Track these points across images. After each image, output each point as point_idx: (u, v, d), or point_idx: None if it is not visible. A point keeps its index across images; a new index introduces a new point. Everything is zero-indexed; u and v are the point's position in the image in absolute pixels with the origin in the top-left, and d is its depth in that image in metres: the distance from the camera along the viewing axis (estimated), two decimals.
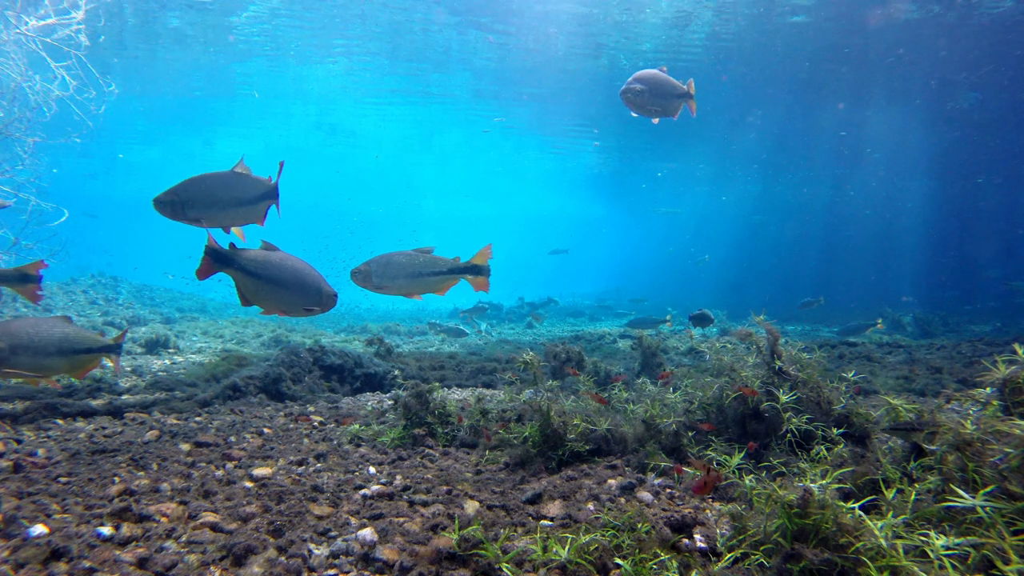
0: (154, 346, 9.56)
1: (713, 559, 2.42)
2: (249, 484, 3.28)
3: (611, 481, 3.36)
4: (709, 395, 3.93)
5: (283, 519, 2.79)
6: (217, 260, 4.01)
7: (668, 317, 12.55)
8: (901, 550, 1.97)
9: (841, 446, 3.15)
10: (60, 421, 4.71)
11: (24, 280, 4.76)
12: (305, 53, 18.29)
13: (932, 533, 2.00)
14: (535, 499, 3.12)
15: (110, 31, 15.98)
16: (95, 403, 5.22)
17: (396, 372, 7.29)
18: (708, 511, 2.93)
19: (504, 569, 2.32)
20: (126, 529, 2.60)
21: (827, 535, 2.15)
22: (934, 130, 22.27)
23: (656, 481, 3.36)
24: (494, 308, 22.42)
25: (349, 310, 23.52)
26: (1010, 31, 14.13)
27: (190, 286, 24.05)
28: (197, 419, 4.94)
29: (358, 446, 4.22)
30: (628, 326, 14.05)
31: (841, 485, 2.56)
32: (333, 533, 2.71)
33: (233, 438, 4.33)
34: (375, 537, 2.62)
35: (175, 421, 4.85)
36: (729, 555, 2.35)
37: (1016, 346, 2.67)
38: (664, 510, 2.93)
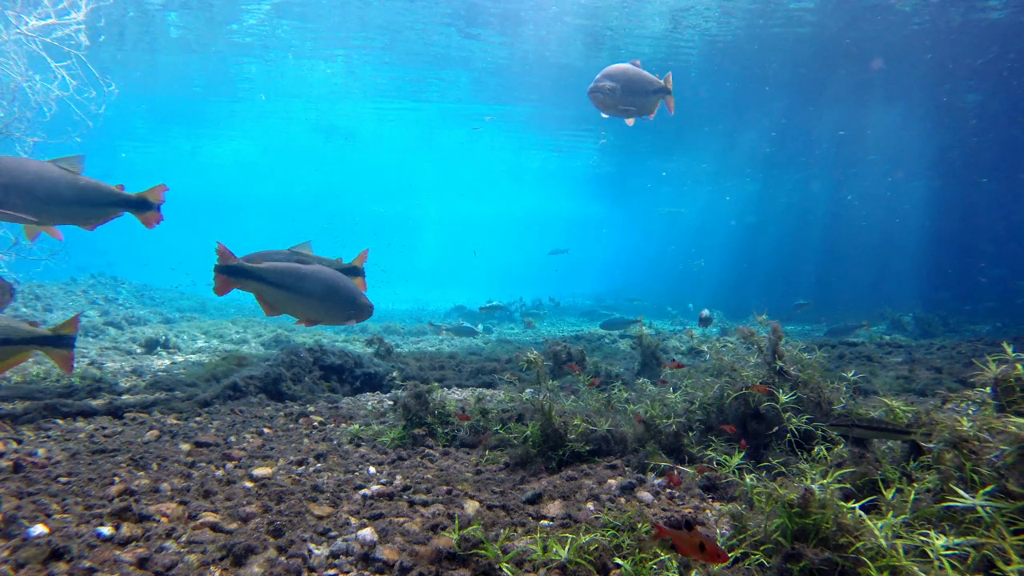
0: (154, 346, 9.56)
1: None
2: (249, 484, 3.28)
3: (611, 481, 3.36)
4: (710, 395, 3.93)
5: (283, 519, 2.79)
6: (231, 275, 4.02)
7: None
8: (901, 550, 1.97)
9: (841, 446, 3.15)
10: (60, 421, 4.71)
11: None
12: (305, 53, 18.30)
13: (932, 533, 2.00)
14: (535, 499, 3.12)
15: (110, 31, 15.98)
16: (95, 403, 5.21)
17: (396, 372, 7.29)
18: (708, 511, 2.93)
19: (504, 569, 2.32)
20: (126, 529, 2.60)
21: (827, 535, 2.15)
22: (934, 130, 22.27)
23: (656, 481, 3.36)
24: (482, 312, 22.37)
25: None
26: (1010, 30, 14.14)
27: (193, 287, 24.06)
28: (197, 419, 4.94)
29: (358, 446, 4.22)
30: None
31: (842, 485, 2.56)
32: (333, 533, 2.71)
33: (233, 438, 4.33)
34: (375, 537, 2.62)
35: (175, 421, 4.85)
36: (730, 555, 2.35)
37: (1005, 344, 2.68)
38: (664, 510, 2.93)
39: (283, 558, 2.45)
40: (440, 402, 4.51)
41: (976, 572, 1.95)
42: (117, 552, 2.41)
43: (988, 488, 2.13)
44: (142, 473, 3.40)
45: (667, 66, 17.44)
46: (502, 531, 2.65)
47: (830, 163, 27.91)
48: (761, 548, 2.28)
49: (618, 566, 2.33)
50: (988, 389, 2.73)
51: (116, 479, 3.23)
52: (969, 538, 1.99)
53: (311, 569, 2.43)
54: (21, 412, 4.71)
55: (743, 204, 42.77)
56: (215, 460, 3.73)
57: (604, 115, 5.63)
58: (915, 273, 38.10)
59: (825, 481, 2.32)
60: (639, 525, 2.54)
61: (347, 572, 2.42)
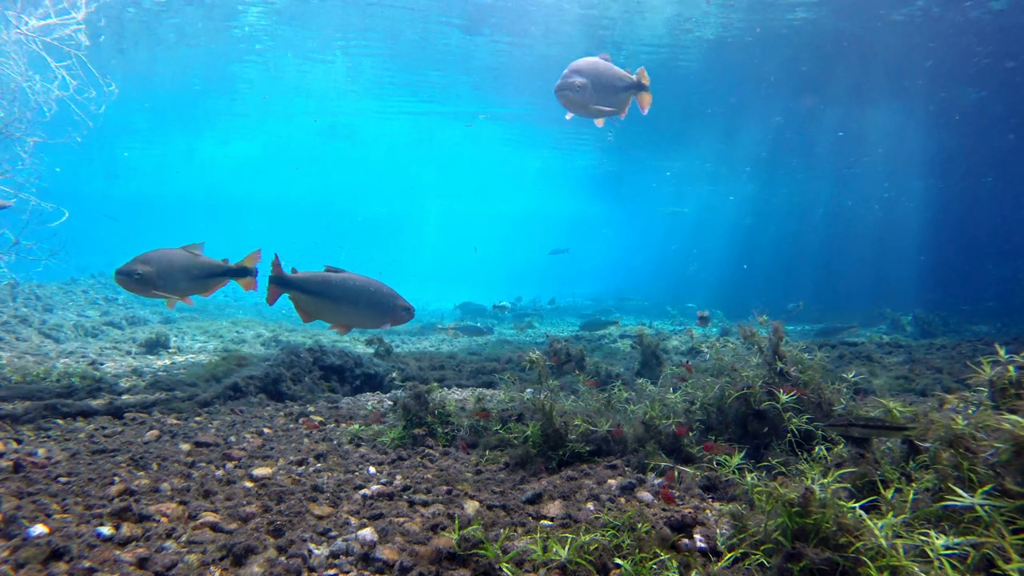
0: (154, 346, 9.56)
1: (713, 559, 2.42)
2: (249, 484, 3.28)
3: (611, 481, 3.36)
4: (710, 395, 3.93)
5: (283, 519, 2.79)
6: (280, 284, 4.48)
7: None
8: (901, 550, 1.97)
9: (841, 446, 3.15)
10: (60, 421, 4.71)
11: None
12: (305, 53, 18.30)
13: (932, 533, 2.00)
14: (535, 499, 3.12)
15: (110, 31, 15.98)
16: (95, 403, 5.21)
17: (396, 372, 7.29)
18: (708, 511, 2.93)
19: (504, 569, 2.32)
20: (126, 529, 2.60)
21: (827, 534, 2.15)
22: (935, 129, 22.28)
23: (656, 481, 3.36)
24: (486, 310, 22.38)
25: None
26: (1010, 30, 14.13)
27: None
28: (197, 419, 4.94)
29: (358, 446, 4.22)
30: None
31: (842, 484, 2.56)
32: (333, 533, 2.71)
33: (233, 438, 4.33)
34: (375, 537, 2.62)
35: (175, 421, 4.85)
36: (729, 555, 2.35)
37: (997, 346, 2.68)
38: (664, 510, 2.93)
39: (283, 558, 2.45)
40: (440, 402, 4.51)
41: (976, 572, 1.95)
42: (117, 552, 2.41)
43: (987, 487, 2.13)
44: (142, 473, 3.40)
45: (668, 66, 17.49)
46: (502, 531, 2.65)
47: (830, 163, 27.92)
48: (761, 548, 2.28)
49: (618, 566, 2.33)
50: (986, 391, 2.73)
51: (116, 479, 3.23)
52: (969, 537, 1.99)
53: (311, 569, 2.43)
54: (21, 412, 4.71)
55: (743, 204, 42.77)
56: (215, 460, 3.73)
57: (569, 116, 5.13)
58: (915, 273, 38.11)
59: (826, 480, 2.32)
60: (639, 525, 2.54)
61: (347, 572, 2.42)
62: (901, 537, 2.04)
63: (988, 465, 2.26)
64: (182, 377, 6.56)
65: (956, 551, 1.94)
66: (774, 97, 19.57)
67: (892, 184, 31.54)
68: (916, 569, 1.90)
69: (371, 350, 8.30)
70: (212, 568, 2.36)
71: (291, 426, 4.86)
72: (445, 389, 6.84)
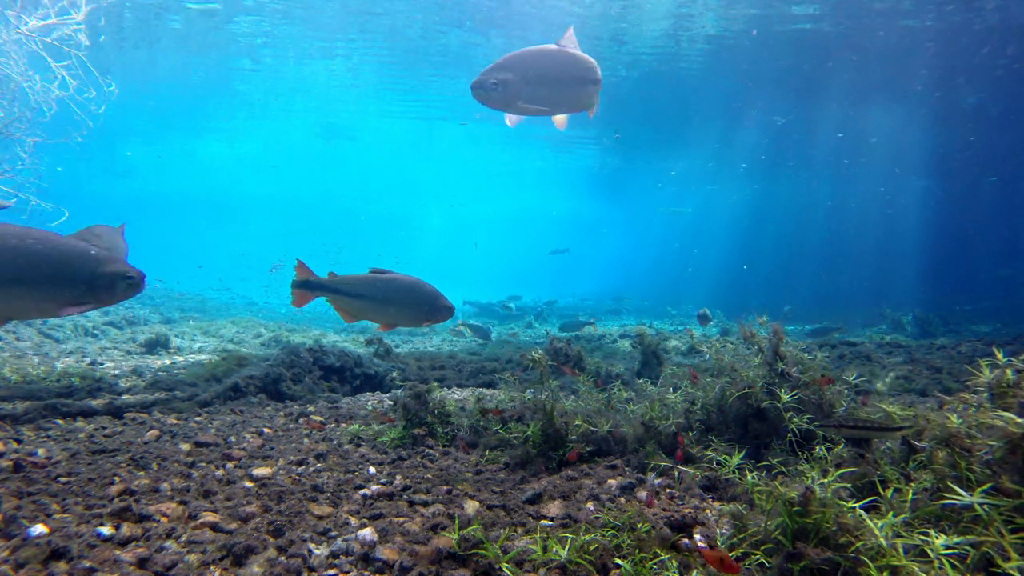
0: (154, 346, 9.56)
1: None
2: (249, 484, 3.28)
3: (611, 481, 3.36)
4: (711, 395, 3.93)
5: (283, 519, 2.79)
6: (308, 288, 4.45)
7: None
8: (901, 550, 1.97)
9: (841, 446, 3.15)
10: (60, 421, 4.71)
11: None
12: (305, 53, 18.30)
13: (932, 532, 2.00)
14: (535, 499, 3.12)
15: (110, 31, 15.98)
16: (95, 403, 5.21)
17: (396, 372, 7.29)
18: (708, 511, 2.93)
19: (504, 569, 2.32)
20: (126, 529, 2.60)
21: (827, 534, 2.15)
22: (935, 129, 22.28)
23: (656, 481, 3.36)
24: (492, 308, 22.42)
25: None
26: (1010, 30, 14.13)
27: (178, 286, 24.07)
28: (197, 419, 4.94)
29: (358, 446, 4.22)
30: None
31: (842, 484, 2.56)
32: (333, 533, 2.71)
33: (233, 438, 4.33)
34: (375, 537, 2.62)
35: (175, 421, 4.85)
36: (730, 554, 2.34)
37: (995, 349, 2.68)
38: (664, 510, 2.93)
39: (283, 558, 2.45)
40: (440, 402, 4.51)
41: (976, 571, 1.95)
42: (117, 552, 2.41)
43: (985, 486, 2.13)
44: (142, 473, 3.40)
45: (668, 66, 17.49)
46: (502, 531, 2.65)
47: (830, 163, 27.92)
48: (761, 548, 2.28)
49: (618, 566, 2.33)
50: (985, 393, 2.73)
51: (116, 479, 3.23)
52: (968, 537, 1.99)
53: (311, 569, 2.43)
54: (21, 412, 4.71)
55: (743, 204, 42.77)
56: (215, 460, 3.73)
57: (510, 123, 4.48)
58: (915, 273, 38.12)
59: (826, 480, 2.32)
60: (639, 525, 2.54)
61: (347, 572, 2.42)
62: (901, 537, 2.04)
63: (984, 463, 2.26)
64: (182, 377, 6.56)
65: (956, 551, 1.94)
66: (774, 97, 19.57)
67: (892, 184, 31.54)
68: (916, 569, 1.90)
69: (371, 350, 8.31)
70: (212, 568, 2.36)
71: (291, 426, 4.86)
72: (445, 389, 6.84)
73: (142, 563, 2.35)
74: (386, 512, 2.95)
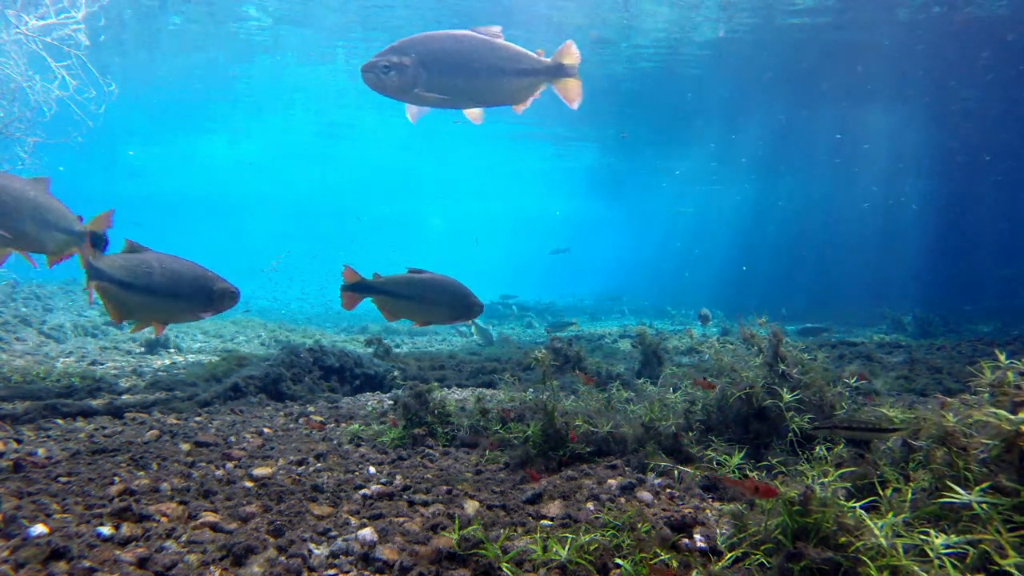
0: (154, 346, 9.56)
1: (713, 559, 2.42)
2: (249, 484, 3.28)
3: (611, 481, 3.35)
4: (711, 396, 3.93)
5: (283, 519, 2.79)
6: (357, 291, 4.57)
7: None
8: (901, 549, 1.97)
9: (841, 446, 3.15)
10: (60, 421, 4.71)
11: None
12: (305, 53, 18.29)
13: (932, 532, 2.00)
14: (535, 499, 3.12)
15: (110, 31, 15.97)
16: (95, 403, 5.21)
17: (396, 372, 7.29)
18: (708, 511, 2.92)
19: (504, 569, 2.32)
20: (126, 529, 2.60)
21: (827, 534, 2.15)
22: (935, 129, 22.28)
23: (656, 481, 3.36)
24: (494, 306, 22.42)
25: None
26: (1010, 30, 14.13)
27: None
28: (197, 419, 4.94)
29: (358, 446, 4.22)
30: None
31: (842, 484, 2.56)
32: (333, 533, 2.71)
33: (233, 438, 4.33)
34: (375, 537, 2.62)
35: (175, 421, 4.85)
36: (730, 554, 2.34)
37: (997, 351, 2.68)
38: (664, 510, 2.93)
39: (283, 558, 2.45)
40: (440, 402, 4.51)
41: (975, 570, 1.94)
42: (117, 552, 2.41)
43: (984, 485, 2.13)
44: (142, 473, 3.40)
45: (669, 66, 17.48)
46: (502, 531, 2.65)
47: (830, 163, 27.92)
48: (762, 548, 2.28)
49: (618, 566, 2.33)
50: (986, 395, 2.73)
51: (116, 479, 3.23)
52: (967, 536, 1.99)
53: (311, 569, 2.42)
54: (21, 412, 4.71)
55: (743, 204, 42.76)
56: (215, 460, 3.73)
57: (411, 116, 3.97)
58: (915, 273, 38.12)
59: (827, 480, 2.32)
60: (639, 525, 2.53)
61: (347, 572, 2.42)
62: (901, 536, 2.04)
63: (980, 462, 2.26)
64: (182, 377, 6.56)
65: (956, 550, 1.94)
66: (775, 97, 19.57)
67: (892, 184, 31.54)
68: (916, 568, 1.90)
69: (370, 350, 8.31)
70: (212, 568, 2.36)
71: (291, 426, 4.86)
72: (445, 389, 6.84)
73: (142, 563, 2.35)
74: (386, 512, 2.95)
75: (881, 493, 2.46)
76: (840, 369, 7.48)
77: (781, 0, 13.45)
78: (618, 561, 2.34)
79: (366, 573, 2.41)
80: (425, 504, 3.09)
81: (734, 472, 3.18)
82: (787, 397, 3.47)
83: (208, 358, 8.66)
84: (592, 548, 2.40)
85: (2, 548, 2.35)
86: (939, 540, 1.95)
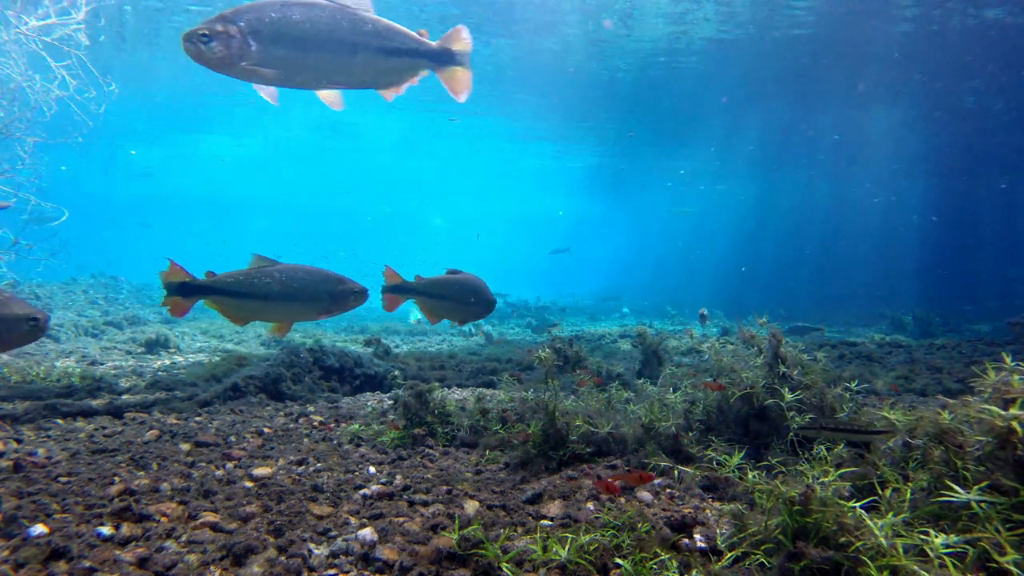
0: (154, 346, 9.56)
1: (714, 558, 2.42)
2: (249, 484, 3.28)
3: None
4: (711, 396, 3.93)
5: (283, 519, 2.79)
6: (399, 292, 4.83)
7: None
8: (901, 549, 1.97)
9: (841, 446, 3.15)
10: (60, 421, 4.71)
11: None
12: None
13: (932, 532, 2.00)
14: (535, 499, 3.12)
15: (110, 31, 15.97)
16: (95, 403, 5.21)
17: (396, 372, 7.29)
18: (708, 511, 2.93)
19: (504, 569, 2.32)
20: (126, 529, 2.60)
21: (828, 534, 2.15)
22: (936, 129, 22.28)
23: (656, 481, 3.36)
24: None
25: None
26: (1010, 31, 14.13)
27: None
28: (197, 419, 4.94)
29: (358, 446, 4.22)
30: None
31: (843, 484, 2.56)
32: (333, 533, 2.71)
33: (233, 438, 4.33)
34: (375, 537, 2.62)
35: (175, 421, 4.85)
36: (730, 554, 2.34)
37: (1004, 355, 2.67)
38: (664, 510, 2.93)
39: (283, 558, 2.45)
40: (440, 402, 4.51)
41: (975, 569, 1.94)
42: (117, 552, 2.41)
43: (982, 484, 2.13)
44: (142, 473, 3.40)
45: (669, 67, 17.48)
46: (502, 531, 2.65)
47: (831, 163, 27.93)
48: (762, 547, 2.28)
49: (618, 566, 2.33)
50: (987, 395, 2.72)
51: (116, 479, 3.23)
52: (967, 536, 1.99)
53: (311, 569, 2.42)
54: (21, 412, 4.71)
55: (743, 204, 42.77)
56: (215, 460, 3.73)
57: (266, 96, 3.48)
58: (916, 273, 38.13)
59: (827, 479, 2.32)
60: (639, 525, 2.53)
61: (347, 572, 2.42)
62: (901, 536, 2.04)
63: (976, 460, 2.26)
64: (182, 377, 6.56)
65: (956, 549, 1.94)
66: (775, 97, 19.57)
67: (893, 184, 31.55)
68: (916, 568, 1.90)
69: (370, 350, 8.31)
70: (212, 568, 2.36)
71: (291, 426, 4.86)
72: (445, 389, 6.84)
73: (142, 563, 2.35)
74: (386, 512, 2.95)
75: (881, 493, 2.45)
76: (840, 369, 7.50)
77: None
78: (618, 561, 2.34)
79: (366, 573, 2.41)
80: (425, 504, 3.10)
81: (734, 472, 3.18)
82: (788, 397, 3.48)
83: (208, 358, 8.66)
84: (592, 548, 2.40)
85: (2, 548, 2.35)
86: (939, 540, 1.95)
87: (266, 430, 4.62)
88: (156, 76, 20.48)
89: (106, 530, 2.58)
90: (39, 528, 2.53)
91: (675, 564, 2.28)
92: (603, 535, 2.50)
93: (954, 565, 1.89)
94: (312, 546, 2.57)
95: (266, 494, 3.11)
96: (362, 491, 3.24)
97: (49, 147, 8.49)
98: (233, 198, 60.74)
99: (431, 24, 15.10)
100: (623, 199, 47.56)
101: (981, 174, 28.38)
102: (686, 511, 2.81)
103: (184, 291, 4.28)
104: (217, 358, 8.00)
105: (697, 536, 2.59)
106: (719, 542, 2.49)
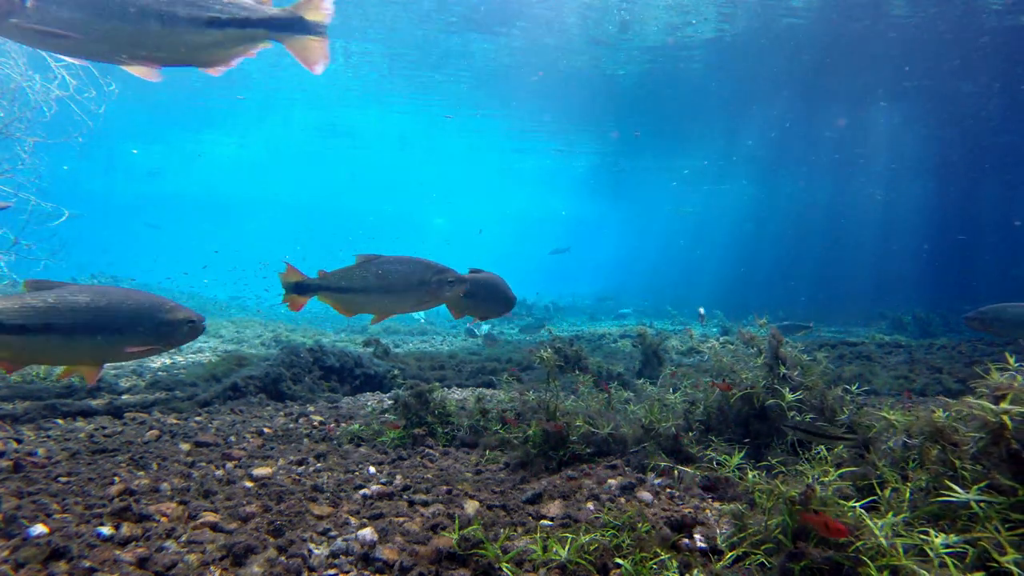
0: None
1: (714, 558, 2.42)
2: (249, 484, 3.28)
3: (611, 481, 3.35)
4: (711, 397, 3.93)
5: (283, 519, 2.79)
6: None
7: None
8: (901, 549, 1.97)
9: (841, 447, 3.15)
10: (60, 421, 4.71)
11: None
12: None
13: (931, 531, 2.00)
14: (535, 499, 3.12)
15: None
16: (95, 403, 5.21)
17: (396, 372, 7.29)
18: (708, 511, 2.92)
19: (504, 569, 2.32)
20: (126, 529, 2.60)
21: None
22: (936, 129, 22.27)
23: (656, 481, 3.36)
24: None
25: None
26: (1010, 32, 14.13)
27: (201, 287, 24.08)
28: (197, 419, 4.94)
29: (358, 446, 4.22)
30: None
31: (843, 483, 2.56)
32: (333, 533, 2.71)
33: (233, 438, 4.32)
34: (375, 537, 2.62)
35: (175, 421, 4.85)
36: (730, 554, 2.34)
37: (1008, 355, 2.67)
38: (664, 510, 2.93)
39: (283, 558, 2.45)
40: (440, 402, 4.51)
41: (975, 568, 1.94)
42: (117, 552, 2.41)
43: (981, 484, 2.13)
44: (142, 473, 3.40)
45: (668, 66, 17.47)
46: (502, 531, 2.65)
47: (831, 163, 27.92)
48: (762, 547, 2.28)
49: (618, 566, 2.33)
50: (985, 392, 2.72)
51: (116, 479, 3.23)
52: (966, 536, 1.99)
53: (311, 569, 2.42)
54: (21, 412, 4.71)
55: (744, 204, 42.77)
56: (215, 460, 3.73)
57: (148, 76, 3.02)
58: (916, 273, 38.12)
59: (828, 479, 2.31)
60: (639, 525, 2.53)
61: (347, 572, 2.42)
62: (901, 536, 2.04)
63: (971, 457, 2.26)
64: (182, 377, 6.56)
65: (955, 549, 1.94)
66: (775, 97, 19.57)
67: (893, 184, 31.54)
68: (916, 568, 1.90)
69: (370, 350, 8.31)
70: (212, 568, 2.36)
71: (291, 426, 4.86)
72: (445, 389, 6.84)
73: (142, 563, 2.35)
74: (386, 512, 2.95)
75: (880, 493, 2.45)
76: (840, 369, 7.50)
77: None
78: (618, 561, 2.34)
79: (366, 573, 2.41)
80: (425, 504, 3.09)
81: (734, 472, 3.18)
82: (789, 397, 3.47)
83: (208, 358, 8.65)
84: (592, 548, 2.40)
85: (2, 548, 2.35)
86: (939, 539, 1.95)
87: (266, 430, 4.62)
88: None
89: (106, 530, 2.58)
90: (39, 528, 2.53)
91: (675, 564, 2.28)
92: (603, 535, 2.50)
93: (954, 565, 1.89)
94: (312, 546, 2.57)
95: (266, 494, 3.10)
96: (362, 491, 3.24)
97: (49, 147, 8.49)
98: (233, 198, 60.78)
99: (445, 12, 15.08)
100: (624, 199, 47.56)
101: (985, 174, 28.36)
102: (686, 511, 2.80)
103: (299, 289, 4.65)
104: (217, 358, 7.99)
105: (697, 536, 2.58)
106: (719, 542, 2.49)
